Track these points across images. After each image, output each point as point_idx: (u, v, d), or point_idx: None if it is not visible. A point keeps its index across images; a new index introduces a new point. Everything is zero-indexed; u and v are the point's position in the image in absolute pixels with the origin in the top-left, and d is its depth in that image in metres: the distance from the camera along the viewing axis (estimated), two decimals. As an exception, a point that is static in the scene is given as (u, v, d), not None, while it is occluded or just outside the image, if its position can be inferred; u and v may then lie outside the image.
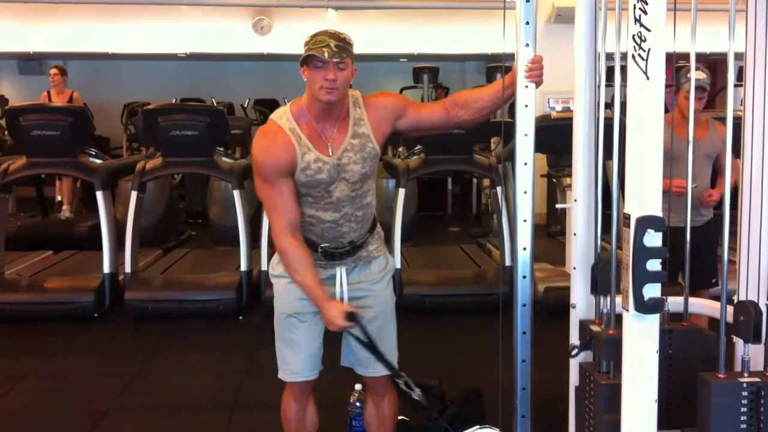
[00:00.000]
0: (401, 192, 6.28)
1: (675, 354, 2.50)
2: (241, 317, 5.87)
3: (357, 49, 2.77)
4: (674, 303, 2.61)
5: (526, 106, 2.58)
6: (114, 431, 3.95)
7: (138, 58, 12.32)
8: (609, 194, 2.48)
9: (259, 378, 4.50)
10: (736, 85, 2.28)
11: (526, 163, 2.60)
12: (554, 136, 3.92)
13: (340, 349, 3.01)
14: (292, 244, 2.73)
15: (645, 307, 2.01)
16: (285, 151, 2.69)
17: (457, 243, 8.14)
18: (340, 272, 2.88)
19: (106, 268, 6.05)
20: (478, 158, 6.54)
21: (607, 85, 2.63)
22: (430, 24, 10.72)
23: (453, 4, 10.31)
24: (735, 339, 2.26)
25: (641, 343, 2.06)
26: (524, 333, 2.63)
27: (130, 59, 12.41)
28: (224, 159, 6.54)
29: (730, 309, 2.24)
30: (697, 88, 2.61)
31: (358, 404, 3.47)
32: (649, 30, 1.98)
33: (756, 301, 2.31)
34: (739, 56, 2.31)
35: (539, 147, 2.64)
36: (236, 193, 6.21)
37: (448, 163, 6.71)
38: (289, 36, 10.50)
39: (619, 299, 2.13)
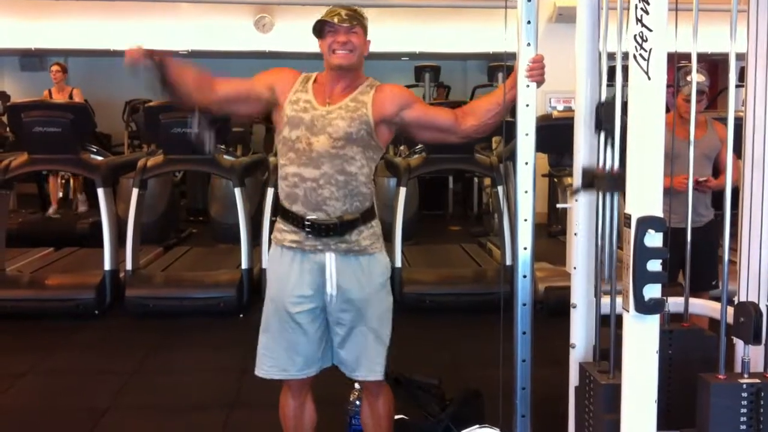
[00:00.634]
0: (402, 191, 6.29)
1: (675, 354, 2.50)
2: (241, 315, 5.87)
3: (369, 48, 2.83)
4: (674, 303, 2.61)
5: (528, 105, 2.58)
6: (114, 429, 3.95)
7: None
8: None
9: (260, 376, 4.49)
10: (737, 86, 2.27)
11: (527, 163, 2.59)
12: (555, 135, 3.92)
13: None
14: (204, 73, 2.85)
15: (645, 307, 2.01)
16: (287, 78, 2.88)
17: (457, 242, 8.15)
18: (330, 261, 2.82)
19: (107, 265, 6.06)
20: (479, 157, 6.55)
21: (608, 85, 2.62)
22: (432, 23, 10.73)
23: (455, 3, 10.32)
24: (735, 340, 2.27)
25: (641, 343, 2.06)
26: (524, 333, 2.63)
27: (132, 56, 12.38)
28: (225, 157, 6.55)
29: (730, 310, 2.24)
30: (696, 91, 2.61)
31: (357, 402, 3.46)
32: (650, 30, 1.98)
33: (756, 302, 2.31)
34: (740, 57, 2.30)
35: (540, 146, 2.64)
36: (237, 191, 6.22)
37: (450, 162, 6.72)
38: (291, 34, 10.50)
39: (619, 295, 2.12)
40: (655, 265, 2.01)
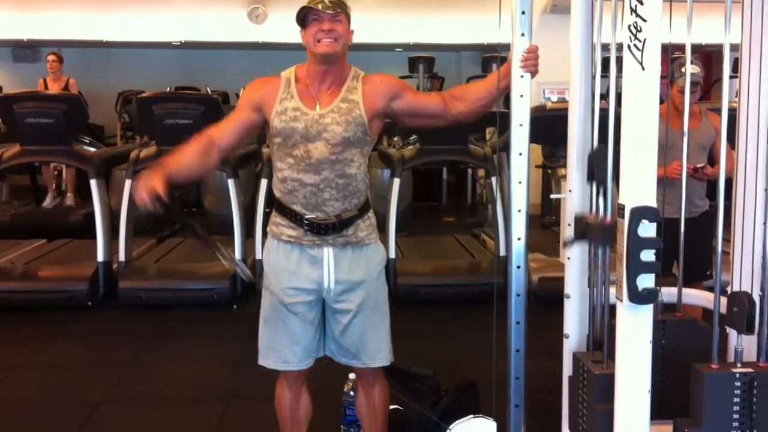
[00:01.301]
0: (396, 182, 6.28)
1: (668, 344, 2.51)
2: (235, 306, 5.87)
3: (353, 38, 2.79)
4: (668, 294, 2.61)
5: (522, 96, 2.58)
6: (108, 421, 3.95)
7: (133, 47, 12.26)
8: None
9: (254, 367, 4.44)
10: (731, 77, 2.27)
11: (521, 154, 2.60)
12: (549, 126, 3.92)
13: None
14: (198, 141, 2.81)
15: (639, 297, 2.01)
16: (268, 89, 2.80)
17: (451, 233, 8.15)
18: (328, 254, 2.83)
19: (100, 257, 6.04)
20: (473, 148, 6.55)
21: (602, 76, 2.62)
22: (426, 13, 10.70)
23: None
24: (728, 330, 2.28)
25: (635, 334, 2.07)
26: (518, 323, 2.64)
27: (125, 47, 12.35)
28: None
29: (723, 300, 2.25)
30: (690, 83, 2.61)
31: (352, 393, 3.47)
32: (644, 20, 1.98)
33: (749, 292, 2.32)
34: (734, 48, 2.31)
35: (534, 137, 2.64)
36: (231, 183, 6.20)
37: (443, 153, 6.71)
38: (284, 25, 10.43)
39: (613, 291, 2.13)
40: (648, 256, 2.01)
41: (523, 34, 2.55)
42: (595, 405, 2.34)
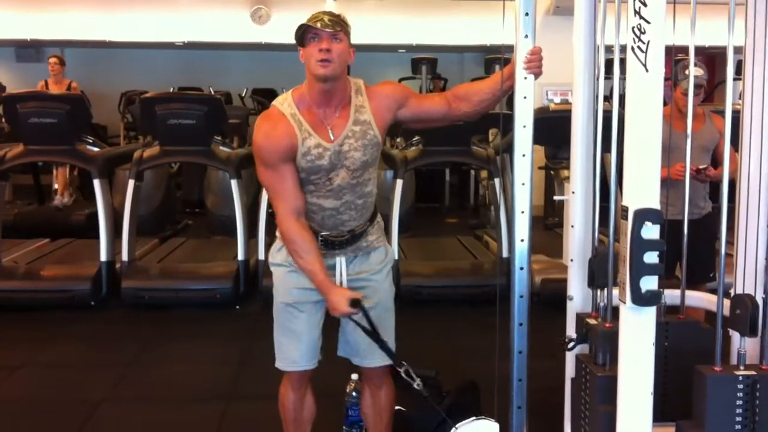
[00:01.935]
0: (399, 183, 6.28)
1: (671, 346, 2.51)
2: (237, 307, 5.87)
3: (355, 40, 2.77)
4: (671, 296, 2.61)
5: (525, 97, 2.58)
6: (110, 421, 3.95)
7: (136, 47, 12.28)
8: (607, 187, 2.48)
9: (257, 367, 4.50)
10: (735, 79, 2.28)
11: (524, 155, 2.59)
12: (552, 128, 3.91)
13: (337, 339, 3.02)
14: (297, 229, 2.71)
15: (642, 299, 2.01)
16: (286, 135, 2.68)
17: (454, 234, 8.15)
18: (340, 262, 2.88)
19: (103, 257, 6.05)
20: (476, 150, 6.54)
21: (606, 78, 2.63)
22: (429, 15, 10.70)
23: (452, -6, 10.30)
24: (731, 332, 2.27)
25: (638, 335, 2.06)
26: (521, 324, 2.64)
27: (128, 47, 12.37)
28: (222, 148, 6.54)
29: (726, 302, 2.25)
30: (694, 85, 2.61)
31: (354, 394, 3.47)
32: (648, 22, 1.98)
33: (753, 294, 2.31)
34: (738, 50, 2.31)
35: (537, 139, 2.64)
36: (234, 183, 6.21)
37: (446, 154, 6.71)
38: (287, 25, 10.38)
39: (616, 292, 2.13)
40: (652, 258, 2.01)
41: (526, 36, 2.55)
42: (598, 407, 2.34)
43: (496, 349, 2.69)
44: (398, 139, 9.04)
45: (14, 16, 10.61)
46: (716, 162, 4.29)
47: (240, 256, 6.11)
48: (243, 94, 12.19)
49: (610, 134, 2.37)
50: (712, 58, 10.25)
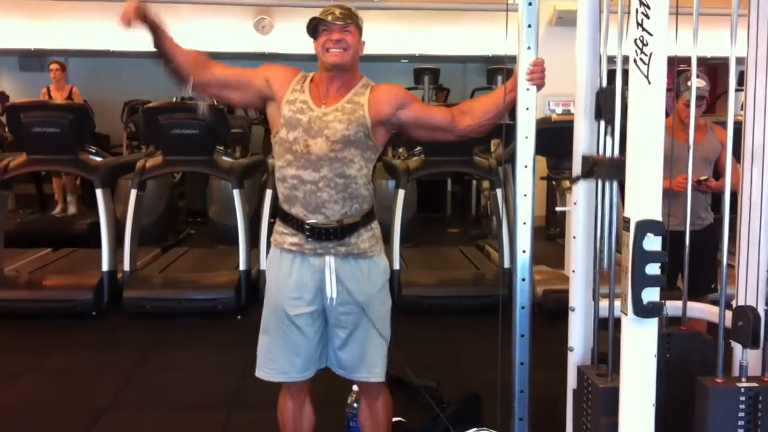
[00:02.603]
0: (401, 193, 6.28)
1: (673, 358, 2.50)
2: (239, 316, 5.87)
3: (364, 49, 2.82)
4: (673, 307, 2.61)
5: (527, 108, 2.59)
6: (112, 429, 3.95)
7: (139, 56, 12.28)
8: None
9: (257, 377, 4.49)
10: (737, 90, 2.28)
11: (526, 166, 2.60)
12: (555, 138, 3.92)
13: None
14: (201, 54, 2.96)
15: (644, 310, 2.01)
16: (285, 75, 2.88)
17: (456, 245, 8.15)
18: (330, 264, 2.82)
19: (105, 266, 6.05)
20: (478, 160, 6.55)
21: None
22: (432, 25, 10.73)
23: (455, 5, 10.31)
24: (733, 344, 2.27)
25: (640, 347, 2.06)
26: (522, 335, 2.64)
27: (132, 57, 12.39)
28: (224, 158, 6.55)
29: (728, 314, 2.24)
30: (696, 96, 2.61)
31: (355, 405, 3.47)
32: (651, 34, 1.98)
33: (755, 306, 2.31)
34: (740, 61, 2.31)
35: (539, 149, 2.64)
36: (236, 193, 6.21)
37: (448, 164, 6.72)
38: (290, 35, 10.50)
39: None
40: (653, 269, 2.01)
41: (529, 47, 2.56)
42: (600, 418, 2.34)
43: (498, 360, 2.69)
44: (400, 149, 9.05)
45: (18, 26, 10.65)
46: (718, 173, 4.29)
47: (242, 266, 6.11)
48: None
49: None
50: (714, 68, 10.26)
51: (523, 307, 2.63)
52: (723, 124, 3.58)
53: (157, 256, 7.30)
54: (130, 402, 4.29)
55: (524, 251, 2.63)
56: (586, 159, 2.58)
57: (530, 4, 2.55)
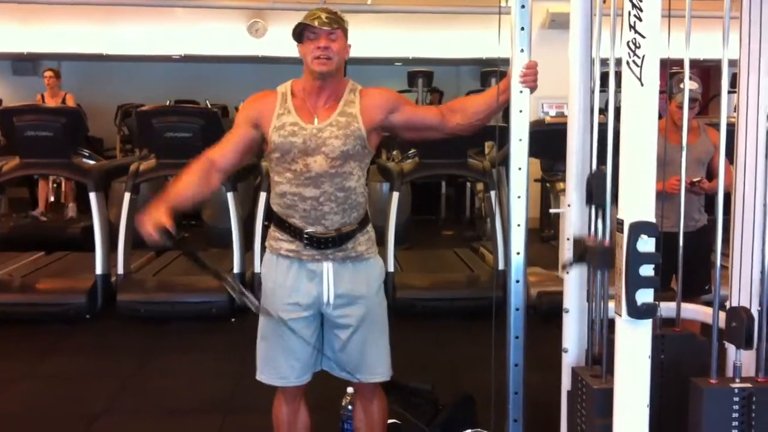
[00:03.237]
0: (395, 195, 6.29)
1: (667, 359, 2.51)
2: (233, 320, 5.86)
3: (352, 53, 2.80)
4: (667, 308, 2.61)
5: (521, 111, 2.59)
6: (106, 433, 3.95)
7: (132, 60, 12.31)
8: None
9: (252, 381, 4.43)
10: (729, 92, 2.28)
11: (520, 168, 2.60)
12: (548, 140, 3.93)
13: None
14: (200, 164, 2.76)
15: (638, 312, 2.01)
16: (265, 104, 2.80)
17: (450, 247, 8.15)
18: (327, 269, 2.82)
19: (99, 270, 6.04)
20: (472, 162, 6.56)
21: (601, 91, 2.63)
22: (426, 28, 10.74)
23: (448, 8, 10.33)
24: (727, 345, 2.27)
25: (634, 348, 2.06)
26: (517, 337, 2.64)
27: (125, 60, 12.40)
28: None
29: (722, 315, 2.25)
30: (689, 99, 2.62)
31: (350, 407, 3.46)
32: (643, 37, 1.99)
33: (748, 307, 2.32)
34: (732, 63, 2.32)
35: (533, 152, 2.65)
36: (230, 195, 6.21)
37: (442, 167, 6.73)
38: (283, 38, 10.46)
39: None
40: (647, 270, 2.01)
41: (522, 50, 2.57)
42: (594, 420, 2.34)
43: (492, 362, 2.69)
44: (394, 152, 9.06)
45: (11, 30, 10.63)
46: (711, 175, 4.30)
47: (236, 269, 6.11)
48: (239, 107, 12.19)
49: (606, 147, 2.38)
50: (706, 71, 10.30)
51: (517, 309, 2.63)
52: (716, 126, 3.59)
53: (151, 259, 7.29)
54: (124, 406, 4.28)
55: (518, 253, 2.63)
56: (577, 242, 2.57)
57: (523, 7, 2.56)
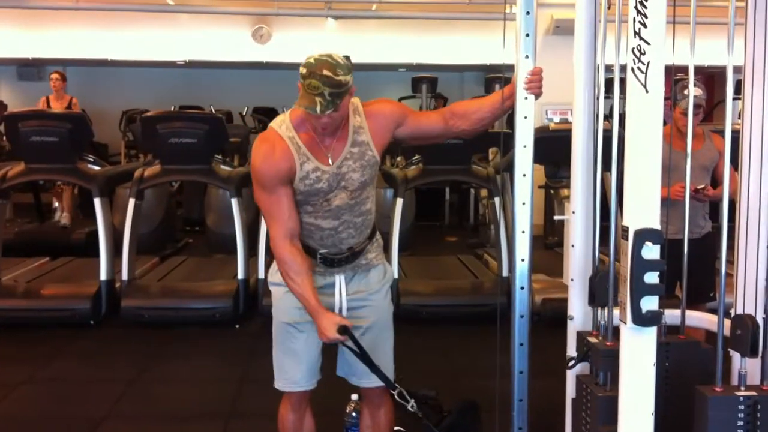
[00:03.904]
0: (399, 201, 6.29)
1: (672, 367, 2.50)
2: (237, 325, 5.86)
3: (356, 59, 2.78)
4: (671, 316, 2.61)
5: (525, 117, 2.59)
6: (109, 439, 3.95)
7: (137, 65, 12.34)
8: (607, 206, 2.48)
9: (256, 387, 4.49)
10: (734, 99, 2.28)
11: (524, 175, 2.60)
12: (552, 147, 3.92)
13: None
14: (290, 252, 2.70)
15: (642, 319, 2.01)
16: (284, 159, 2.66)
17: (454, 253, 8.14)
18: (339, 280, 2.86)
19: (103, 275, 6.04)
20: (476, 168, 6.55)
21: (606, 97, 2.63)
22: (430, 34, 10.76)
23: (452, 14, 10.35)
24: (732, 352, 2.26)
25: (638, 356, 2.06)
26: (521, 344, 2.63)
27: (129, 66, 12.43)
28: (222, 167, 6.55)
29: (727, 322, 2.24)
30: (693, 105, 2.61)
31: (354, 414, 3.46)
32: (648, 43, 1.98)
33: (753, 314, 2.31)
34: (737, 69, 2.31)
35: (537, 158, 2.65)
36: (234, 201, 6.21)
37: (446, 173, 6.72)
38: (288, 45, 10.54)
39: (616, 312, 2.13)
40: (652, 278, 2.01)
41: (527, 57, 2.57)
42: (599, 427, 2.33)
43: (496, 369, 2.68)
44: (398, 158, 9.06)
45: (16, 35, 10.67)
46: (716, 181, 4.30)
47: (240, 275, 6.11)
48: (244, 113, 12.23)
49: (610, 154, 2.38)
50: (711, 77, 10.28)
51: (521, 316, 2.63)
52: (720, 133, 3.59)
53: (155, 265, 7.30)
54: (127, 412, 4.28)
55: (523, 260, 2.63)
56: (581, 338, 2.56)
57: (528, 13, 2.56)
